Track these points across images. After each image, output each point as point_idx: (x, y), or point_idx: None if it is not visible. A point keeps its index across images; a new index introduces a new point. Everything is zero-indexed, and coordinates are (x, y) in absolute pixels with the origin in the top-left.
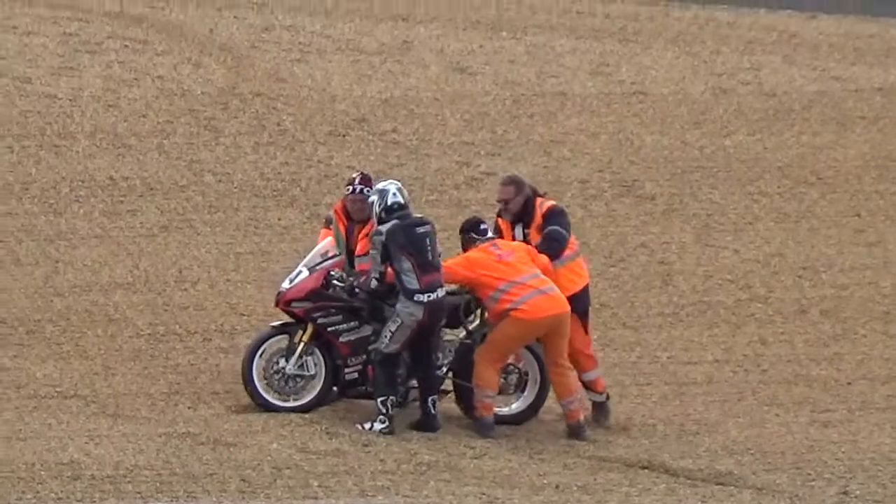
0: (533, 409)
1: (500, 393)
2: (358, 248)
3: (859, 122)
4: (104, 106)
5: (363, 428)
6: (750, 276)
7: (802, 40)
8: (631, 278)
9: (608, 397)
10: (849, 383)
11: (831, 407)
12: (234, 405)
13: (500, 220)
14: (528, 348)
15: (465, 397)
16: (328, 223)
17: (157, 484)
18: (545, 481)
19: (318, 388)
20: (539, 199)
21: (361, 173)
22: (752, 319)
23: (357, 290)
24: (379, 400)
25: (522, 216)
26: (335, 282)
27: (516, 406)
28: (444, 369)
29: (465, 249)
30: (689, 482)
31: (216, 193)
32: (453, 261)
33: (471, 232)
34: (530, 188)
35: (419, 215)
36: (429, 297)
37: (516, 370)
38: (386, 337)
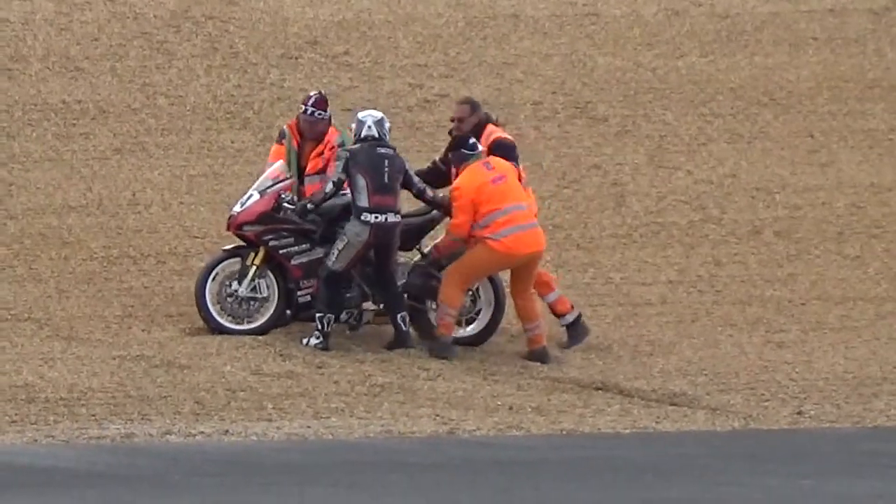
0: (488, 331)
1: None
2: (309, 166)
3: (812, 43)
4: (56, 29)
5: (303, 343)
6: (703, 197)
7: None
8: (584, 200)
9: (580, 315)
10: (802, 304)
11: (785, 327)
12: (187, 328)
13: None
14: None
15: (419, 319)
16: (281, 137)
17: (111, 406)
18: (499, 402)
19: (270, 311)
20: (489, 128)
21: (319, 93)
22: (705, 240)
23: (310, 205)
24: (317, 315)
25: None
26: (286, 204)
27: (471, 328)
28: (401, 288)
29: (455, 169)
30: (642, 403)
31: (169, 116)
32: (454, 205)
33: (461, 149)
34: (485, 115)
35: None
36: (376, 217)
37: (470, 292)
38: (333, 255)
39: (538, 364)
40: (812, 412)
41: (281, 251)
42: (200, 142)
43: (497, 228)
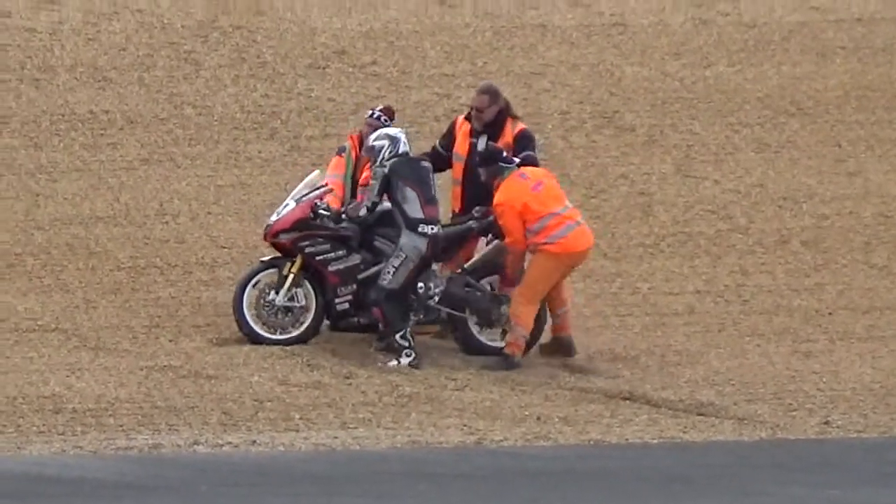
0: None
1: (492, 326)
2: (362, 177)
3: (839, 53)
4: (84, 39)
5: (392, 365)
6: (730, 206)
7: None
8: (612, 209)
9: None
10: (830, 313)
11: (812, 337)
12: (215, 338)
13: (458, 123)
14: None
15: (461, 328)
16: (341, 151)
17: (139, 417)
18: (527, 413)
19: (309, 321)
20: (510, 119)
21: (385, 106)
22: (732, 250)
23: (344, 216)
24: (398, 336)
25: (491, 128)
26: (322, 211)
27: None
28: (436, 299)
29: (490, 181)
30: (670, 413)
31: (196, 126)
32: (502, 223)
33: (496, 161)
34: (505, 103)
35: None
36: (432, 229)
37: (503, 306)
38: (389, 273)
39: (566, 374)
40: (839, 422)
41: (317, 258)
42: (228, 152)
43: (550, 231)
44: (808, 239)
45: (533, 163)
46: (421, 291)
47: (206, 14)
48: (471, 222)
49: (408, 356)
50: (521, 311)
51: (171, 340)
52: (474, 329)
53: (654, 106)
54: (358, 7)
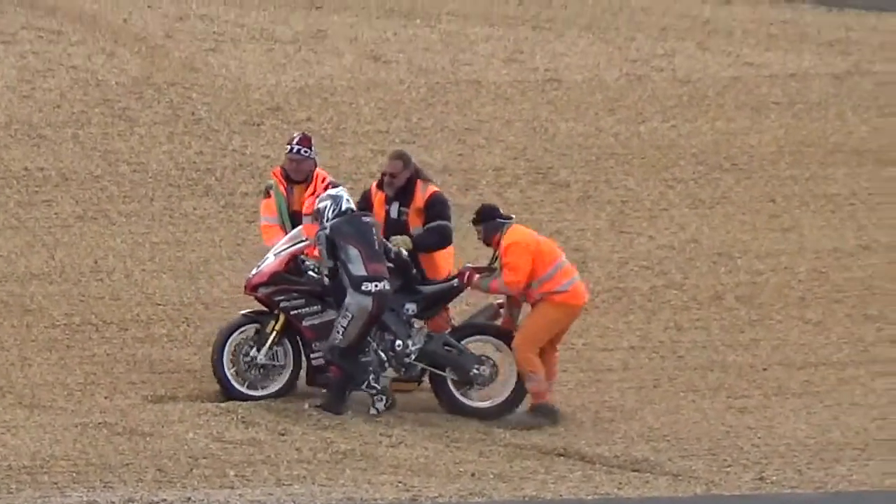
0: (510, 403)
1: (478, 385)
2: (305, 206)
3: (773, 108)
4: (19, 96)
5: (372, 414)
6: (665, 262)
7: (716, 26)
8: None
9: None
10: (764, 369)
11: (747, 393)
12: (150, 395)
13: (372, 191)
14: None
15: (440, 386)
16: (268, 190)
17: (74, 474)
18: (461, 469)
19: (286, 378)
20: (420, 182)
21: (302, 133)
22: (667, 306)
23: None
24: (364, 386)
25: (401, 194)
26: (311, 273)
27: (489, 402)
28: (413, 356)
29: (486, 240)
30: (605, 469)
31: (131, 183)
32: (510, 260)
33: (495, 218)
34: (415, 168)
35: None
36: (376, 286)
37: (492, 363)
38: (339, 332)
39: (500, 430)
40: (774, 477)
41: (292, 312)
42: (162, 209)
43: (560, 281)
44: (743, 294)
45: (445, 233)
46: (399, 348)
47: (140, 71)
48: (454, 280)
49: (380, 401)
50: (526, 359)
51: (106, 397)
52: (453, 388)
53: (588, 162)
54: (292, 64)
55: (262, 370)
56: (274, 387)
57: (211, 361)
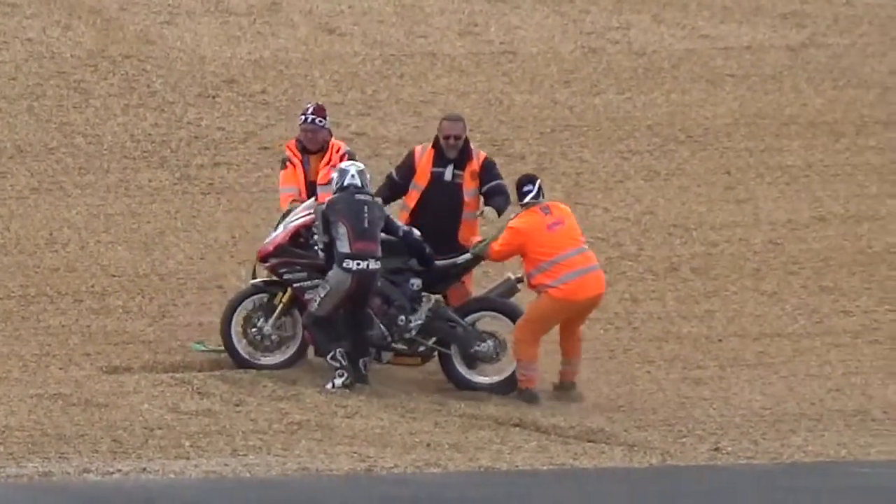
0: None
1: (482, 362)
2: (320, 176)
3: (728, 81)
4: None
5: (328, 388)
6: (620, 234)
7: None
8: None
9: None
10: (720, 340)
11: (702, 364)
12: (105, 366)
13: (417, 153)
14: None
15: (446, 364)
16: (284, 162)
17: (30, 445)
18: (417, 440)
19: (294, 349)
20: (472, 146)
21: (316, 104)
22: (622, 277)
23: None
24: (328, 357)
25: (459, 157)
26: (316, 247)
27: (497, 377)
28: (414, 332)
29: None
30: (560, 440)
31: (86, 155)
32: (503, 238)
33: (520, 192)
34: None
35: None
36: (358, 264)
37: (496, 339)
38: (316, 301)
39: (455, 399)
40: (729, 448)
41: (295, 284)
42: (118, 181)
43: (557, 275)
44: (698, 266)
45: (506, 192)
46: (401, 323)
47: (95, 44)
48: (468, 254)
49: (340, 377)
50: (519, 349)
51: (61, 368)
52: (458, 365)
53: (543, 134)
54: (247, 36)
55: (270, 340)
56: (282, 357)
57: (220, 328)
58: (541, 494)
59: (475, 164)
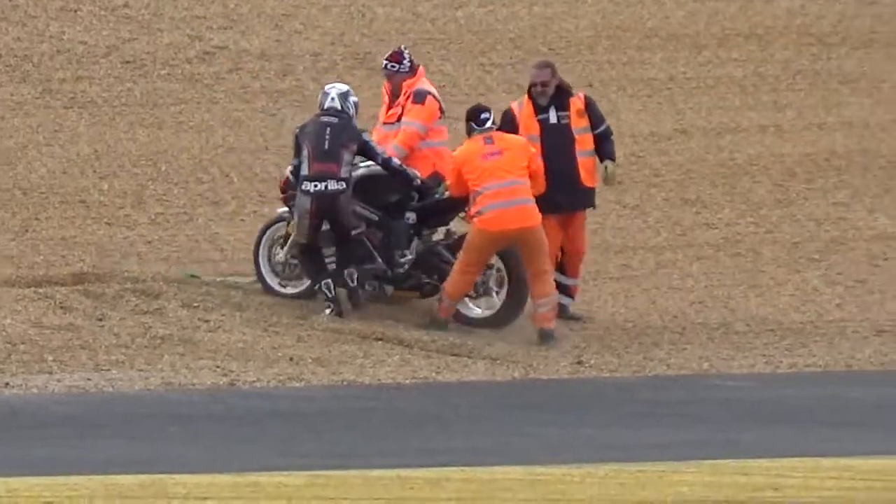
0: (506, 314)
1: (479, 295)
2: (387, 115)
3: None
4: None
5: (323, 317)
6: None
7: None
8: None
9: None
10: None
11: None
12: None
13: (514, 109)
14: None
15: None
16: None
17: None
18: (279, 354)
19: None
20: (566, 87)
21: (398, 47)
22: None
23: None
24: (316, 288)
25: (555, 99)
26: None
27: (488, 311)
28: (406, 266)
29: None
30: (423, 353)
31: None
32: (453, 158)
33: (470, 121)
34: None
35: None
36: (315, 185)
37: (493, 268)
38: (294, 230)
39: (319, 317)
40: (592, 361)
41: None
42: None
43: (480, 205)
44: None
45: (609, 134)
46: (397, 258)
47: None
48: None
49: (328, 307)
50: (451, 280)
51: None
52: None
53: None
54: None
55: (287, 268)
56: (298, 287)
57: (252, 256)
58: (403, 408)
59: (578, 103)
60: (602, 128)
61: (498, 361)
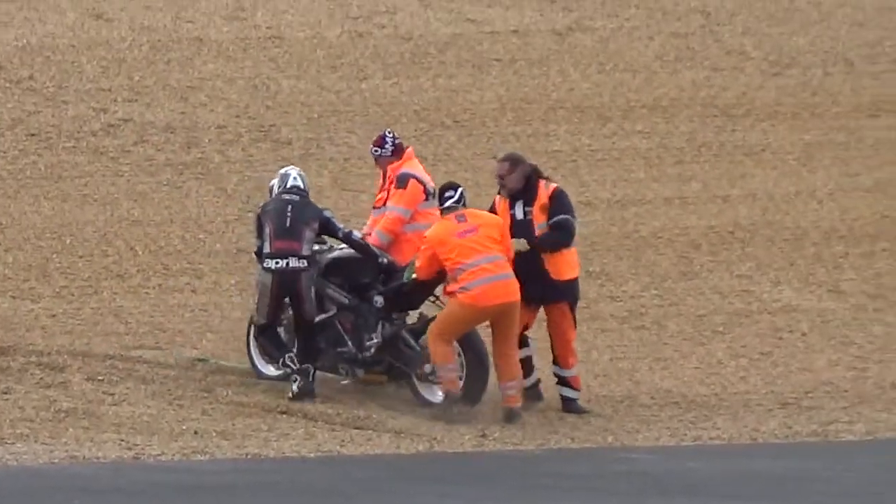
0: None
1: (420, 381)
2: (376, 200)
3: (495, 65)
4: None
5: (288, 396)
6: None
7: None
8: None
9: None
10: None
11: None
12: None
13: (498, 200)
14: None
15: (405, 381)
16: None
17: None
18: (184, 427)
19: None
20: (542, 180)
21: (378, 135)
22: None
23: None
24: (279, 364)
25: (523, 193)
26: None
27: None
28: (373, 350)
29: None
30: (328, 427)
31: None
32: (419, 256)
33: (439, 199)
34: (532, 167)
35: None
36: (276, 263)
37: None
38: (255, 308)
39: (222, 387)
40: (496, 434)
41: None
42: None
43: (463, 282)
44: None
45: (567, 226)
46: (366, 341)
47: None
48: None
49: (295, 381)
50: (433, 350)
51: None
52: (416, 383)
53: (310, 119)
54: (14, 22)
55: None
56: (279, 370)
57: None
58: (307, 481)
59: (543, 197)
60: (556, 218)
61: (402, 435)
